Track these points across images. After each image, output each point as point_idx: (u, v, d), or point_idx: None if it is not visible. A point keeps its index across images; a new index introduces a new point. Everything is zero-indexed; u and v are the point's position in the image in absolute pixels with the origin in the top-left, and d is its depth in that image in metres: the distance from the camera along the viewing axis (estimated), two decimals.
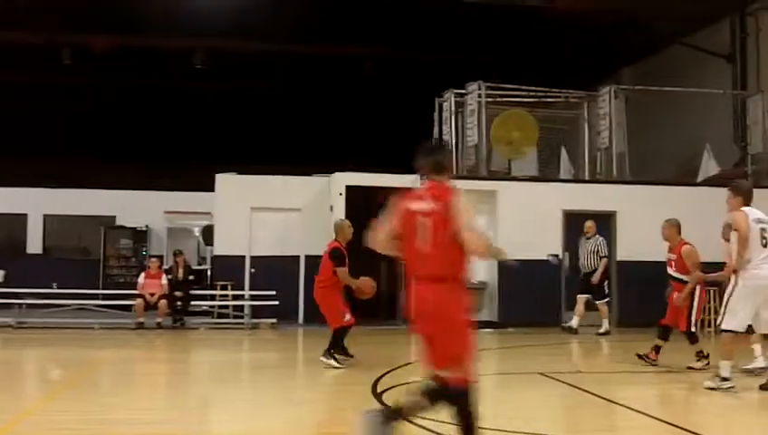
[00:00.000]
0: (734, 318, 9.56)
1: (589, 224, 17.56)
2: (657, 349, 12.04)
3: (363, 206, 19.26)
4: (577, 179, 20.35)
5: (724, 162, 21.18)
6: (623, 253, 18.90)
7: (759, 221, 9.58)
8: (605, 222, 19.05)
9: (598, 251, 17.32)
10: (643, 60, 26.00)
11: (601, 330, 17.19)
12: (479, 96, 19.82)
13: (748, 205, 9.73)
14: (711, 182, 20.12)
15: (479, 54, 24.82)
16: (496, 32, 24.15)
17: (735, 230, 9.51)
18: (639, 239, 18.20)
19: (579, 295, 17.43)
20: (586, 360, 13.54)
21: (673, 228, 12.26)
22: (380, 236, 6.17)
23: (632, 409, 8.86)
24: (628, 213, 18.97)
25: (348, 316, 12.08)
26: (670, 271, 12.07)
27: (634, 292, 18.06)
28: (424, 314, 5.84)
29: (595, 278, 17.20)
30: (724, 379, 9.51)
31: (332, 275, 12.06)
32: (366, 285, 11.98)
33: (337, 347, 11.99)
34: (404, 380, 10.68)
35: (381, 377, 10.40)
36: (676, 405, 9.53)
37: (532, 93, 20.49)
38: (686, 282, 11.68)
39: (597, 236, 17.51)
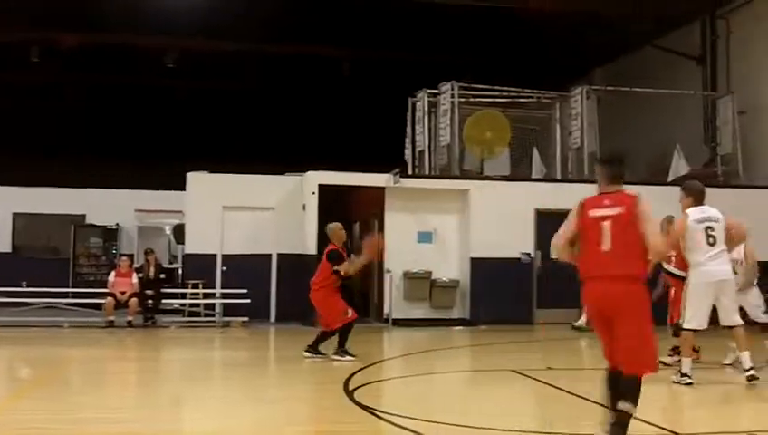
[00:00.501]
0: (693, 317, 9.75)
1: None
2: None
3: (336, 205, 19.30)
4: (549, 179, 20.42)
5: (695, 162, 21.35)
6: None
7: (703, 220, 9.70)
8: None
9: None
10: (615, 61, 26.17)
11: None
12: (452, 96, 19.86)
13: (699, 205, 9.82)
14: (681, 182, 20.25)
15: (452, 55, 24.85)
16: (470, 32, 24.18)
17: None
18: None
19: None
20: (558, 357, 13.58)
21: (672, 225, 12.10)
22: (560, 244, 6.63)
23: (603, 405, 8.89)
24: None
25: (350, 312, 12.12)
26: (668, 267, 11.93)
27: None
28: (607, 311, 6.27)
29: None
30: (684, 375, 9.68)
31: (329, 277, 12.18)
32: (371, 246, 12.45)
33: (345, 343, 12.03)
34: (376, 377, 10.70)
35: (353, 375, 10.37)
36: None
37: (504, 93, 20.57)
38: (683, 278, 11.65)
39: None
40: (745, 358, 9.65)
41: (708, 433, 7.71)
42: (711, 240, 9.67)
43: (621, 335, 6.19)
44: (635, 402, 6.19)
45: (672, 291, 11.88)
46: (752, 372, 9.55)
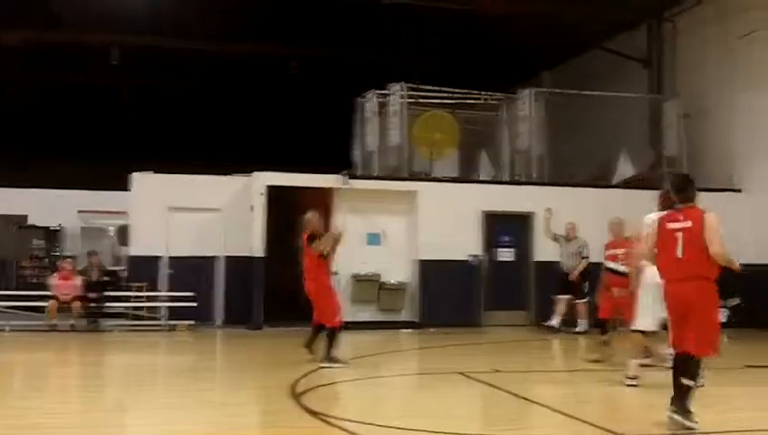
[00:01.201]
0: (643, 318, 10.00)
1: (570, 226, 17.60)
2: (606, 343, 12.35)
3: (284, 206, 19.15)
4: (496, 181, 20.49)
5: (641, 165, 21.60)
6: (540, 254, 19.09)
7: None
8: (524, 223, 19.25)
9: (581, 252, 17.35)
10: (563, 63, 26.39)
11: (578, 329, 17.36)
12: (401, 97, 19.83)
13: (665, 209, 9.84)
14: (626, 184, 20.50)
15: (402, 55, 24.86)
16: (419, 33, 24.22)
17: None
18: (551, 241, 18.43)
19: (559, 296, 17.52)
20: (506, 359, 13.61)
21: (622, 225, 12.69)
22: (644, 249, 8.50)
23: (548, 407, 8.92)
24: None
25: (339, 318, 12.14)
26: (614, 266, 12.23)
27: (551, 291, 18.25)
28: (681, 306, 7.61)
29: (573, 275, 17.26)
30: (633, 376, 9.93)
31: (318, 261, 12.35)
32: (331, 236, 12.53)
33: (335, 348, 11.88)
34: (323, 381, 10.61)
35: (301, 379, 10.27)
36: (592, 403, 9.61)
37: (453, 95, 20.60)
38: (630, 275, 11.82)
39: (579, 237, 17.53)
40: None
41: None
42: None
43: (694, 325, 7.54)
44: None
45: (616, 290, 12.02)
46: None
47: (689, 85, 21.74)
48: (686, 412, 7.40)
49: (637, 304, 10.09)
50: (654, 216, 9.58)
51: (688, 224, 7.64)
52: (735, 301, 19.34)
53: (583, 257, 17.21)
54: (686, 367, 7.52)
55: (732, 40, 20.32)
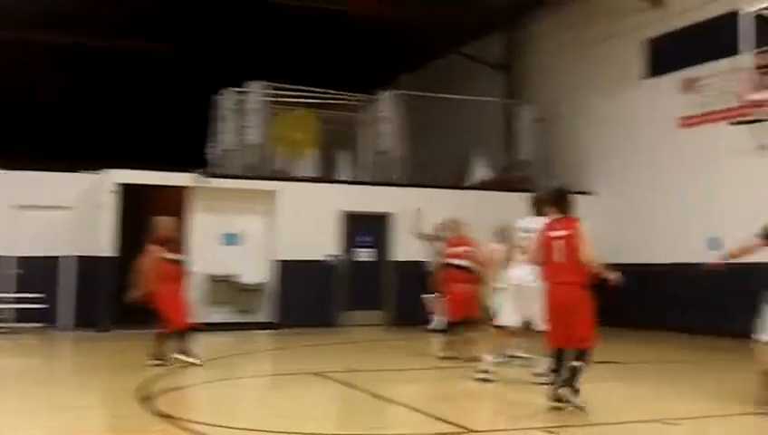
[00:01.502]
0: (503, 315, 10.38)
1: (439, 226, 17.59)
2: (453, 343, 12.60)
3: (137, 204, 18.66)
4: (356, 181, 20.56)
5: (495, 168, 22.09)
6: (400, 253, 19.26)
7: (523, 229, 10.07)
8: (382, 223, 19.38)
9: None
10: (422, 67, 26.75)
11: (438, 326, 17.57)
12: (260, 95, 19.65)
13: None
14: (481, 186, 20.93)
15: (262, 53, 24.66)
16: (280, 31, 24.07)
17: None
18: (414, 240, 18.61)
19: (428, 296, 17.48)
20: (362, 359, 13.64)
21: (459, 224, 13.12)
22: (530, 253, 9.16)
23: (404, 405, 8.99)
24: (404, 215, 19.33)
25: (184, 318, 11.88)
26: (459, 262, 12.53)
27: (409, 291, 18.41)
28: (560, 307, 8.34)
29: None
30: (484, 371, 10.23)
31: (161, 265, 11.89)
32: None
33: (165, 347, 11.75)
34: (175, 384, 10.38)
35: (152, 381, 10.02)
36: (447, 400, 9.73)
37: (314, 95, 20.56)
38: (473, 272, 12.14)
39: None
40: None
41: (506, 430, 7.89)
42: (521, 248, 10.11)
43: (570, 324, 8.31)
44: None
45: (461, 286, 12.39)
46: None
47: (543, 90, 22.39)
48: (575, 392, 8.25)
49: (491, 300, 10.62)
50: (529, 219, 9.94)
51: (565, 233, 8.48)
52: None
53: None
54: (576, 357, 8.30)
55: (584, 46, 21.04)
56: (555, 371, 8.39)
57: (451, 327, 12.66)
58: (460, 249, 12.63)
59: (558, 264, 8.44)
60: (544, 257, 8.61)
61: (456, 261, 12.62)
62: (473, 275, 12.37)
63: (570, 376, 8.27)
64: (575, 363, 8.26)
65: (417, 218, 17.47)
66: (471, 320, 12.33)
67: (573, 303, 8.30)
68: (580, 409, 8.13)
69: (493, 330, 10.57)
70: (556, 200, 8.86)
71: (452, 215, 13.44)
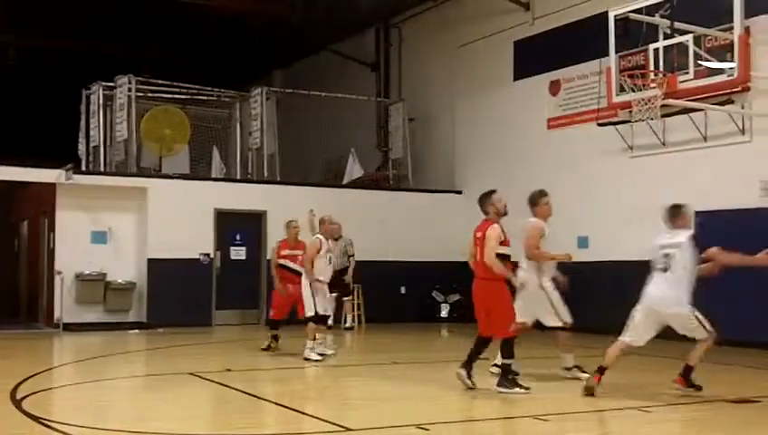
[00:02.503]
0: (310, 309, 12.12)
1: (335, 226, 17.44)
2: (276, 338, 13.53)
3: (4, 201, 18.06)
4: (229, 178, 20.38)
5: (369, 166, 22.25)
6: (272, 252, 19.13)
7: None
8: (256, 221, 19.26)
9: (346, 251, 17.18)
10: (294, 64, 26.71)
11: (347, 325, 18.00)
12: (129, 90, 19.24)
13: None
14: (355, 184, 21.05)
15: (130, 47, 24.15)
16: (152, 26, 23.62)
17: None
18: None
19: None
20: (237, 358, 13.54)
21: (298, 228, 13.79)
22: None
23: (278, 404, 8.98)
24: (277, 213, 19.22)
25: None
26: (291, 265, 13.35)
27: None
28: (477, 301, 9.45)
29: (349, 276, 17.26)
30: (312, 359, 11.97)
31: None
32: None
33: None
34: (45, 385, 10.08)
35: (21, 383, 9.69)
36: (317, 399, 9.78)
37: (184, 90, 20.29)
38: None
39: (344, 236, 17.47)
40: None
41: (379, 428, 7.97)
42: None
43: (487, 314, 9.41)
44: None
45: (291, 287, 13.10)
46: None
47: (414, 90, 22.68)
48: (511, 383, 9.22)
49: (306, 297, 12.16)
50: (534, 220, 10.41)
51: (480, 234, 9.45)
52: (456, 296, 20.42)
53: (350, 256, 17.41)
54: (501, 349, 9.42)
55: (452, 48, 21.40)
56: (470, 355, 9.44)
57: (271, 323, 13.79)
58: (297, 252, 13.33)
59: (476, 261, 9.43)
60: (474, 254, 9.51)
61: (290, 263, 13.41)
62: (297, 276, 13.00)
63: (498, 365, 9.51)
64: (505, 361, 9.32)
65: (310, 219, 17.41)
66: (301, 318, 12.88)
67: (484, 296, 9.33)
68: (524, 389, 9.18)
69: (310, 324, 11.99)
70: (479, 202, 9.82)
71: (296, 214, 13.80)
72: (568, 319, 10.28)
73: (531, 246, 10.19)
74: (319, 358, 12.13)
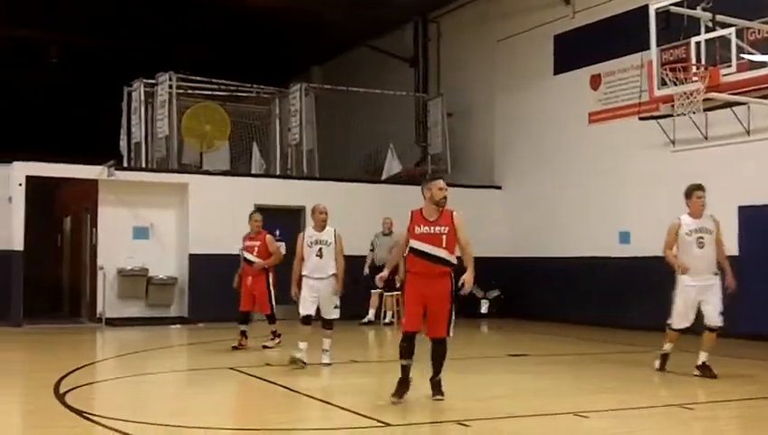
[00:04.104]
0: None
1: (387, 221, 17.66)
2: (244, 333, 13.35)
3: (46, 197, 18.27)
4: (268, 174, 20.45)
5: (407, 161, 22.22)
6: None
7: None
8: (295, 217, 19.30)
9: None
10: (333, 59, 26.73)
11: (386, 320, 17.89)
12: (170, 87, 19.39)
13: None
14: (393, 180, 21.02)
15: (171, 45, 24.32)
16: (191, 23, 23.79)
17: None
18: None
19: (373, 290, 17.52)
20: (274, 353, 13.59)
21: (260, 220, 13.82)
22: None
23: (317, 399, 9.01)
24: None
25: None
26: (251, 257, 13.42)
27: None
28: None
29: (402, 274, 17.37)
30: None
31: None
32: None
33: None
34: (88, 379, 10.21)
35: (64, 377, 9.82)
36: (362, 394, 9.80)
37: (224, 87, 20.39)
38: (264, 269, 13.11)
39: (395, 232, 17.62)
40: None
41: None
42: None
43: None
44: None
45: (249, 280, 13.34)
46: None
47: (453, 85, 22.61)
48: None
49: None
50: (678, 218, 10.34)
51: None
52: (495, 292, 20.35)
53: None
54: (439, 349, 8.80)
55: (491, 43, 21.31)
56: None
57: (240, 317, 13.53)
58: (255, 244, 13.50)
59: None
60: None
61: (249, 256, 13.46)
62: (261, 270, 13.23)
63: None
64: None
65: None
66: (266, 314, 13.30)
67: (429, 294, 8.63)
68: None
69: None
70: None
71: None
72: (674, 323, 10.39)
73: (665, 243, 10.18)
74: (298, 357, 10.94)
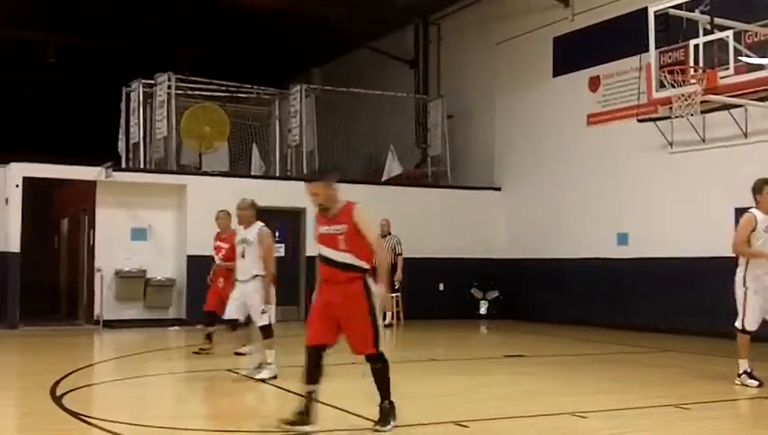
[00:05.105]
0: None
1: (383, 222, 17.71)
2: (209, 336, 12.96)
3: (43, 199, 18.24)
4: (268, 176, 20.44)
5: (407, 163, 22.22)
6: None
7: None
8: (295, 218, 19.31)
9: (394, 249, 17.54)
10: (333, 61, 26.73)
11: (386, 322, 17.60)
12: (169, 87, 19.37)
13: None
14: (394, 182, 21.03)
15: (171, 46, 24.31)
16: (190, 24, 23.78)
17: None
18: None
19: None
20: (276, 355, 13.56)
21: (228, 218, 12.98)
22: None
23: (318, 401, 8.97)
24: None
25: None
26: (216, 257, 13.15)
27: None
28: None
29: (398, 276, 17.49)
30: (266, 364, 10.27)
31: None
32: None
33: None
34: (85, 382, 10.19)
35: (62, 379, 9.80)
36: (363, 396, 9.77)
37: (223, 88, 20.39)
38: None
39: (392, 234, 17.75)
40: None
41: None
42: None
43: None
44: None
45: (220, 281, 12.90)
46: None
47: (453, 87, 22.61)
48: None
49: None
50: (749, 213, 9.76)
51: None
52: (494, 293, 20.36)
53: (398, 254, 17.60)
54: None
55: (491, 45, 21.32)
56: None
57: (205, 317, 13.14)
58: (224, 245, 13.00)
59: None
60: None
61: (215, 254, 13.20)
62: (227, 272, 12.45)
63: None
64: None
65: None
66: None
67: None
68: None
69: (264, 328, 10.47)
70: None
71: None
72: (746, 325, 9.60)
73: (737, 238, 9.59)
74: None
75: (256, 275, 10.34)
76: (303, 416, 6.99)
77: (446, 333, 17.57)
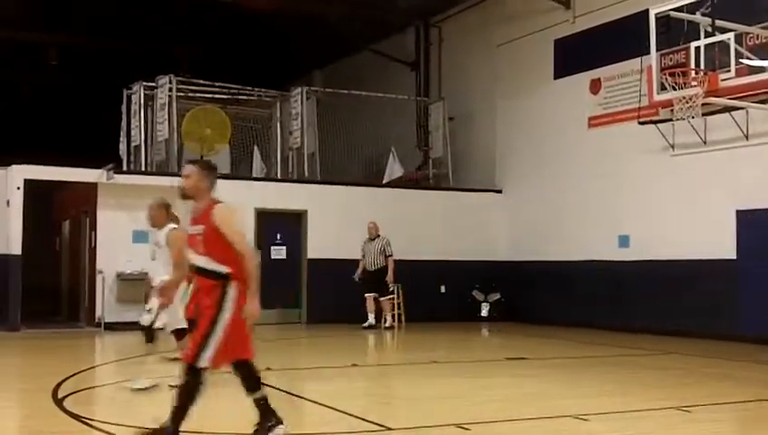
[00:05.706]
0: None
1: (371, 225, 17.75)
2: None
3: (45, 201, 18.22)
4: (269, 178, 20.45)
5: (409, 165, 22.23)
6: (313, 251, 19.24)
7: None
8: (296, 221, 19.32)
9: (384, 251, 17.63)
10: (334, 63, 26.75)
11: (386, 324, 17.87)
12: (170, 90, 19.38)
13: None
14: (395, 184, 21.04)
15: (172, 47, 24.32)
16: (192, 25, 23.80)
17: None
18: (328, 238, 18.75)
19: (366, 294, 17.77)
20: (277, 357, 13.58)
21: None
22: None
23: (318, 403, 8.99)
24: (317, 212, 19.34)
25: None
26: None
27: (324, 289, 18.54)
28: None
29: (389, 278, 17.57)
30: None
31: None
32: None
33: None
34: (87, 384, 10.19)
35: (63, 382, 9.80)
36: (364, 398, 9.78)
37: (225, 90, 20.40)
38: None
39: (381, 236, 17.81)
40: None
41: None
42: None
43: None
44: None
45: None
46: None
47: (454, 89, 22.62)
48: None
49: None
50: None
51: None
52: (496, 296, 20.37)
53: (388, 256, 17.66)
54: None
55: (492, 47, 21.33)
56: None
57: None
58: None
59: None
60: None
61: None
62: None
63: None
64: None
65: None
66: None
67: None
68: None
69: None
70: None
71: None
72: None
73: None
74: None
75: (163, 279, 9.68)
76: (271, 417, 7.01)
77: (447, 335, 17.58)
